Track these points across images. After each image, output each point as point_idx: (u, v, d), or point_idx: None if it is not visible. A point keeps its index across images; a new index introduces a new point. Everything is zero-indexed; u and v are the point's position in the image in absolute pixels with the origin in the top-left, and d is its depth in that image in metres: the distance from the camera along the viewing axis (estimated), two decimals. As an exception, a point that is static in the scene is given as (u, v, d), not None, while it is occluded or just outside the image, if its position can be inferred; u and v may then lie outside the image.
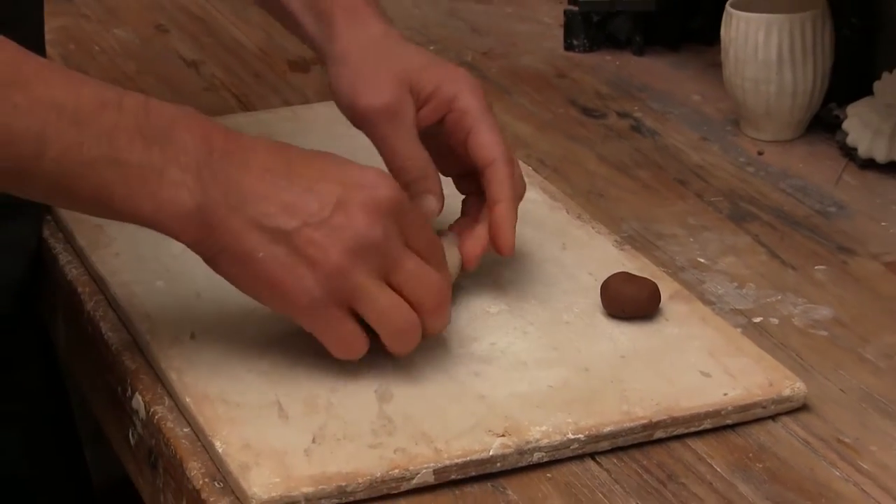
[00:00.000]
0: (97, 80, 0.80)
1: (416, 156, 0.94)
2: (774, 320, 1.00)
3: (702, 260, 1.07)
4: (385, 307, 0.83)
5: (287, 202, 0.80)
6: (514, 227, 0.93)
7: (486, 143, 0.94)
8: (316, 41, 1.01)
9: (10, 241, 1.03)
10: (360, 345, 0.85)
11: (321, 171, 0.82)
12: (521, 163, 1.16)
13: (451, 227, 0.99)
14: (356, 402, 0.87)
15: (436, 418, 0.85)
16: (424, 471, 0.82)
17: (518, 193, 0.96)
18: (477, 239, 0.95)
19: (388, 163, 0.95)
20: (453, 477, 0.82)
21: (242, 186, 0.80)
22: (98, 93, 0.78)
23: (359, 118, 0.97)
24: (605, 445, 0.85)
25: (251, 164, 0.81)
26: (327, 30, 0.99)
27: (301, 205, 0.80)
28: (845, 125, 1.22)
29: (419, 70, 0.96)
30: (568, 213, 1.08)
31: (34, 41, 1.02)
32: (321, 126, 1.20)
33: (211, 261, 0.83)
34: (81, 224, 1.05)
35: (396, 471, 0.81)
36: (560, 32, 1.45)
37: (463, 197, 1.00)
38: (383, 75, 0.95)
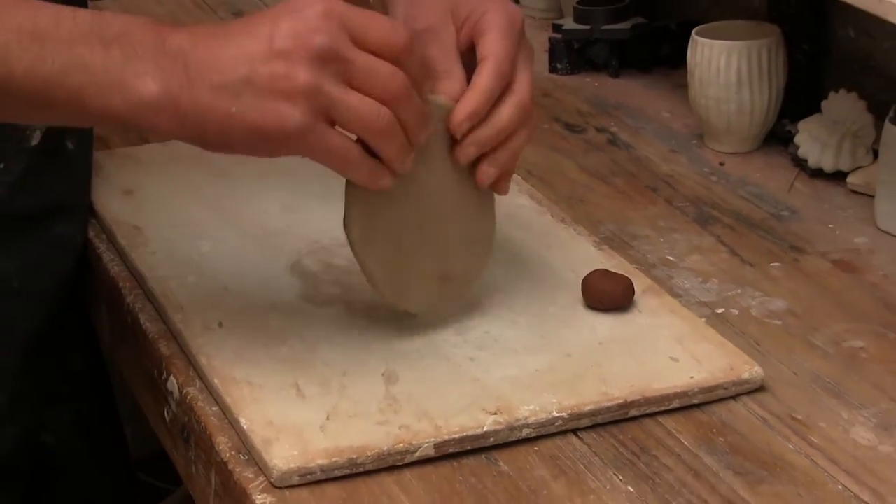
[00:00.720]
0: (54, 3, 0.78)
1: (453, 75, 0.89)
2: (735, 311, 0.99)
3: (670, 258, 1.07)
4: (357, 106, 0.78)
5: (234, 55, 0.77)
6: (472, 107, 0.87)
7: (489, 41, 0.88)
8: None
9: (59, 240, 1.03)
10: (354, 153, 0.80)
11: (252, 19, 0.79)
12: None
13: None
14: (365, 384, 0.87)
15: (436, 398, 0.85)
16: (426, 445, 0.82)
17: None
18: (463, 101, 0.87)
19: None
20: (451, 450, 0.82)
21: (195, 60, 0.77)
22: (53, 12, 0.76)
23: None
24: (585, 422, 0.85)
25: (197, 41, 0.78)
26: None
27: (246, 50, 0.77)
28: (797, 139, 1.21)
29: None
30: (552, 216, 1.08)
31: None
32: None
33: (201, 141, 0.79)
34: (122, 226, 1.05)
35: (401, 445, 0.81)
36: (545, 57, 1.45)
37: None
38: (429, 2, 0.91)
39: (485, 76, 0.86)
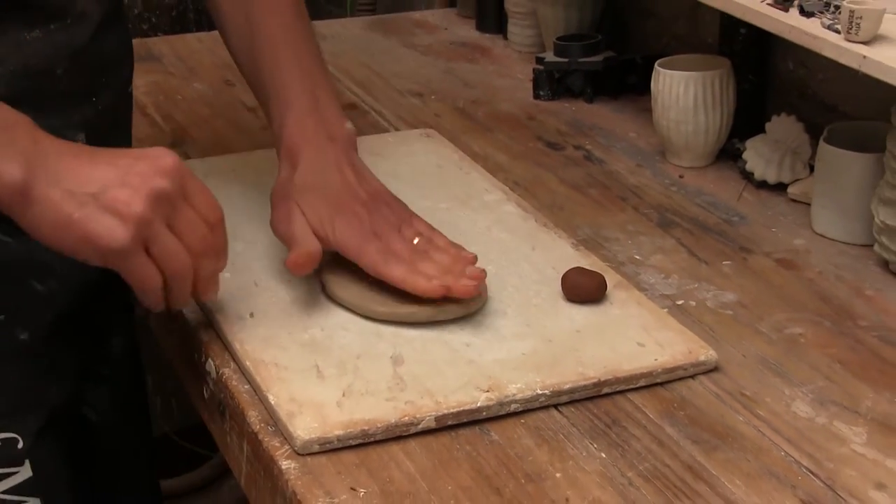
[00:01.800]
0: None
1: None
2: (692, 303, 0.99)
3: (637, 257, 1.06)
4: (170, 248, 0.80)
5: (93, 175, 0.78)
6: None
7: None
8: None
9: None
10: (157, 280, 0.81)
11: (118, 153, 0.81)
12: (499, 182, 1.15)
13: None
14: (376, 366, 0.86)
15: (437, 378, 0.84)
16: (428, 418, 0.81)
17: None
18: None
19: None
20: (450, 423, 0.82)
21: (59, 167, 0.78)
22: None
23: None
24: (565, 399, 0.84)
25: (64, 153, 0.79)
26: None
27: (104, 175, 0.78)
28: (745, 155, 1.21)
29: None
30: (536, 222, 1.07)
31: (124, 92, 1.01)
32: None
33: (38, 232, 0.79)
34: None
35: (406, 418, 0.80)
36: (530, 85, 1.44)
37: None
38: None
39: None
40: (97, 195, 0.77)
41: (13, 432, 0.90)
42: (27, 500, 0.91)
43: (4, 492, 0.91)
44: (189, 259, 0.81)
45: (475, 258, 0.93)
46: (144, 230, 0.78)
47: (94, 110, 0.92)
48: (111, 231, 0.77)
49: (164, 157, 0.80)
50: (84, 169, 0.78)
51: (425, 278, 0.90)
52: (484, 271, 0.92)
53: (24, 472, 0.91)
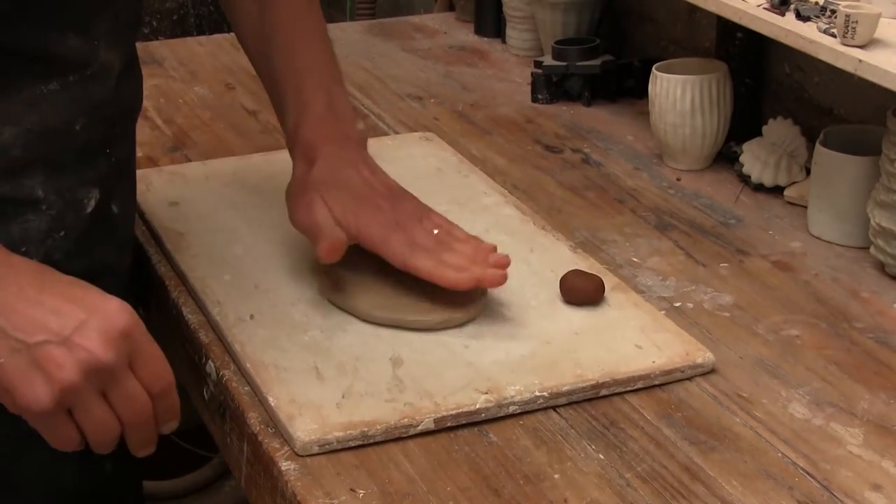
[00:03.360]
0: None
1: None
2: (690, 305, 0.99)
3: (635, 259, 1.06)
4: (98, 419, 0.73)
5: (34, 318, 0.70)
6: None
7: None
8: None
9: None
10: (76, 442, 0.74)
11: (70, 295, 0.72)
12: (498, 185, 1.15)
13: None
14: (375, 368, 0.86)
15: (435, 380, 0.84)
16: (427, 419, 0.81)
17: None
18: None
19: None
20: (449, 424, 0.81)
21: (2, 299, 0.71)
22: None
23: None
24: (563, 400, 0.84)
25: (9, 282, 0.72)
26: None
27: (46, 322, 0.70)
28: (742, 158, 1.21)
29: None
30: (534, 224, 1.07)
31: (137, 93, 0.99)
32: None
33: None
34: (167, 232, 1.04)
35: (406, 420, 0.80)
36: (528, 89, 1.44)
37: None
38: None
39: None
40: (31, 347, 0.70)
41: None
42: None
43: None
44: (117, 430, 0.74)
45: (495, 247, 0.92)
46: (71, 398, 0.71)
47: (108, 163, 0.88)
48: (34, 391, 0.70)
49: (118, 318, 0.72)
50: (27, 308, 0.70)
51: (454, 270, 0.89)
52: (508, 257, 0.91)
53: None
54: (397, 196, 0.94)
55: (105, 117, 0.86)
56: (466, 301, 0.92)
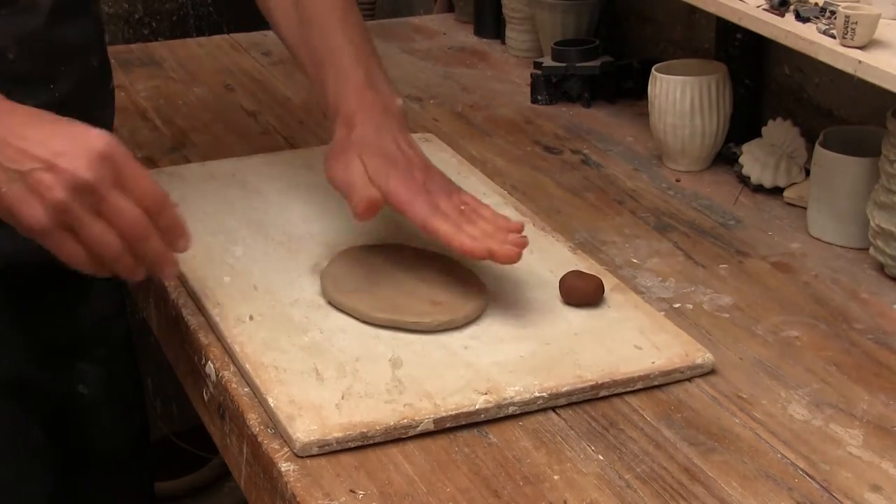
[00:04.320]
0: None
1: None
2: (689, 306, 0.99)
3: (634, 260, 1.06)
4: (95, 235, 0.80)
5: (25, 149, 0.79)
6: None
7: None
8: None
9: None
10: (82, 259, 0.81)
11: (55, 129, 0.81)
12: (497, 186, 1.15)
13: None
14: (375, 369, 0.86)
15: (435, 380, 0.84)
16: (426, 421, 0.81)
17: None
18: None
19: None
20: (448, 425, 0.81)
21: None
22: None
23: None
24: (562, 401, 0.84)
25: (3, 122, 0.80)
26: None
27: (35, 152, 0.79)
28: (741, 159, 1.21)
29: None
30: (534, 225, 1.07)
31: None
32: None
33: None
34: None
35: (405, 420, 0.80)
36: (527, 90, 1.44)
37: None
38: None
39: None
40: (24, 174, 0.78)
41: None
42: None
43: None
44: (118, 243, 0.80)
45: (522, 226, 0.94)
46: (63, 216, 0.78)
47: (51, 97, 0.92)
48: (31, 210, 0.78)
49: (98, 142, 0.80)
50: (18, 142, 0.79)
51: (470, 238, 0.91)
52: (526, 238, 0.92)
53: None
54: (431, 169, 0.97)
55: (40, 51, 0.91)
56: (466, 303, 0.92)
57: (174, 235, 0.84)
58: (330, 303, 0.93)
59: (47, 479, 1.00)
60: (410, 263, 0.96)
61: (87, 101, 0.98)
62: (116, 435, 1.10)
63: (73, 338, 1.04)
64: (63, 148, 0.79)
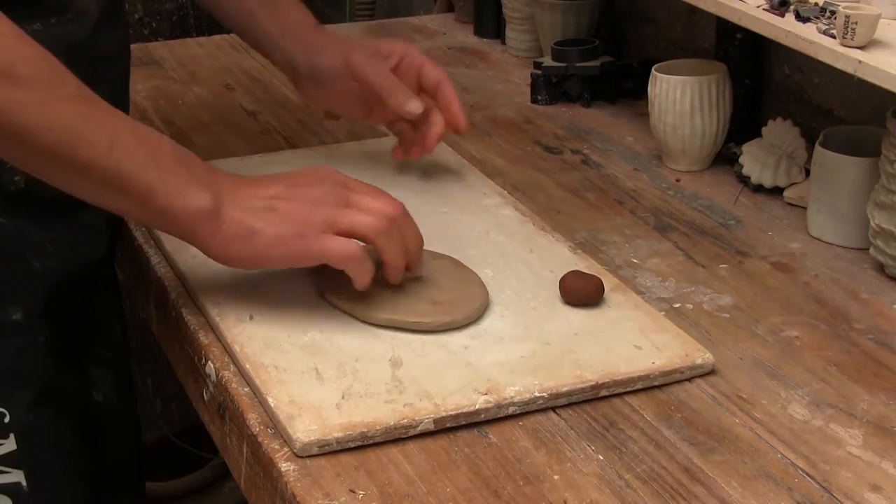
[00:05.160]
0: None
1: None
2: (689, 306, 0.99)
3: (634, 260, 1.06)
4: (356, 219, 0.86)
5: (263, 193, 0.87)
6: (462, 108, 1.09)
7: (430, 68, 1.08)
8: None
9: (86, 225, 1.03)
10: (353, 249, 0.86)
11: (277, 175, 0.90)
12: (497, 186, 1.15)
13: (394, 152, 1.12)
14: (375, 368, 0.86)
15: (435, 380, 0.84)
16: (426, 420, 0.81)
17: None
18: (435, 124, 1.09)
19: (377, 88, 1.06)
20: (448, 425, 0.81)
21: (237, 191, 0.86)
22: (147, 129, 0.86)
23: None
24: (562, 401, 0.84)
25: (238, 181, 0.88)
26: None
27: (272, 191, 0.87)
28: (741, 159, 1.21)
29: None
30: (534, 225, 1.07)
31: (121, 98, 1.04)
32: (350, 160, 1.18)
33: (228, 251, 0.86)
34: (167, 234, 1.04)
35: (405, 420, 0.80)
36: (528, 90, 1.44)
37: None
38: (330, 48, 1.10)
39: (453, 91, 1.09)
40: (271, 205, 0.86)
41: (0, 407, 0.94)
42: (10, 471, 0.94)
43: None
44: (377, 221, 0.87)
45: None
46: (318, 214, 0.85)
47: None
48: (292, 228, 0.85)
49: (320, 170, 0.89)
50: (257, 190, 0.87)
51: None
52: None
53: (9, 445, 0.95)
54: None
55: (84, 60, 0.93)
56: (467, 304, 0.92)
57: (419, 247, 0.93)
58: (330, 303, 0.93)
59: (82, 486, 1.01)
60: None
61: (119, 107, 1.01)
62: (121, 438, 1.11)
63: (84, 341, 1.05)
64: (291, 179, 0.88)
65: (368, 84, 1.06)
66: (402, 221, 0.89)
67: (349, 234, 0.86)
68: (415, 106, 1.05)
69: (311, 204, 0.86)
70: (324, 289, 0.94)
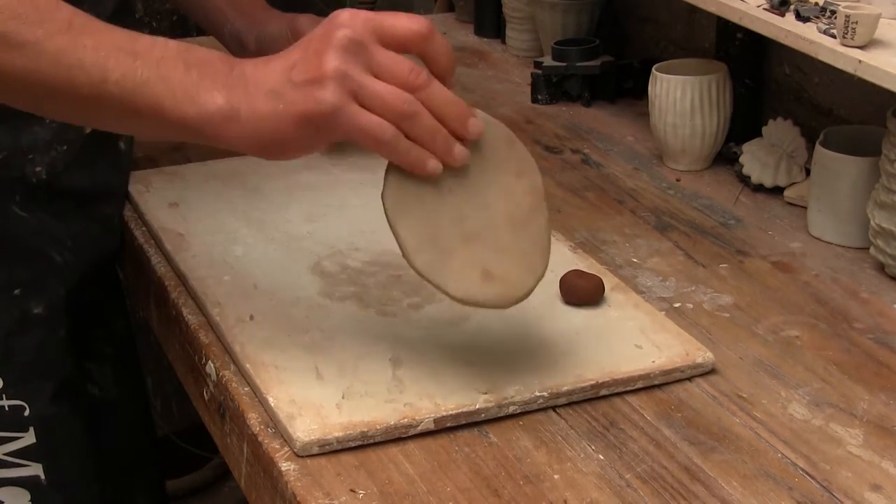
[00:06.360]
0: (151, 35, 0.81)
1: None
2: (689, 305, 0.99)
3: (635, 260, 1.06)
4: (382, 91, 0.76)
5: (280, 66, 0.78)
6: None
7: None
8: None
9: (103, 217, 1.04)
10: (388, 131, 0.76)
11: (295, 45, 0.80)
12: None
13: None
14: (375, 368, 0.86)
15: (436, 380, 0.84)
16: (427, 420, 0.81)
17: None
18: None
19: None
20: (449, 424, 0.81)
21: (252, 79, 0.78)
22: (150, 38, 0.79)
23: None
24: (563, 400, 0.84)
25: (256, 65, 0.79)
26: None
27: (289, 59, 0.78)
28: (742, 159, 1.21)
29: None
30: (534, 225, 1.07)
31: None
32: (350, 158, 1.19)
33: (259, 145, 0.78)
34: (167, 233, 1.04)
35: (406, 420, 0.80)
36: (528, 90, 1.44)
37: None
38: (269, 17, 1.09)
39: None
40: (289, 79, 0.77)
41: (21, 400, 0.95)
42: (29, 464, 0.95)
43: (7, 454, 0.95)
44: (406, 95, 0.76)
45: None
46: (345, 83, 0.76)
47: None
48: (314, 99, 0.76)
49: (341, 13, 0.78)
50: (273, 66, 0.78)
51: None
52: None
53: (28, 438, 0.95)
54: None
55: None
56: (517, 284, 0.81)
57: (452, 65, 0.80)
58: (387, 217, 0.81)
59: (98, 481, 1.02)
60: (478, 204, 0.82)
61: None
62: (130, 436, 1.11)
63: (89, 336, 1.06)
64: (310, 37, 0.78)
65: None
66: (428, 86, 0.77)
67: (371, 110, 0.77)
68: None
69: (332, 66, 0.76)
70: (386, 196, 0.81)
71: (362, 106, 0.76)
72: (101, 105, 0.77)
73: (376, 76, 0.76)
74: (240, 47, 1.11)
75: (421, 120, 0.77)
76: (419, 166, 0.78)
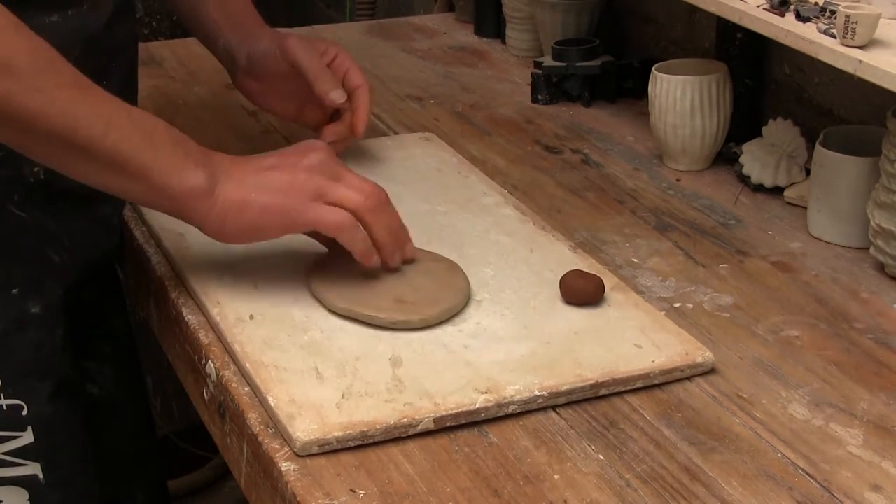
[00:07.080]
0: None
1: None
2: (689, 305, 0.99)
3: (635, 260, 1.06)
4: (345, 192, 0.89)
5: (256, 166, 0.90)
6: (368, 118, 1.12)
7: (354, 73, 1.12)
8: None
9: (101, 218, 1.04)
10: (345, 216, 0.89)
11: (272, 152, 0.93)
12: (498, 185, 1.15)
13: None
14: (375, 368, 0.86)
15: (435, 380, 0.84)
16: (427, 420, 0.81)
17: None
18: (342, 123, 1.13)
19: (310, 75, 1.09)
20: (448, 424, 0.81)
21: (231, 168, 0.89)
22: (140, 112, 0.88)
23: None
24: (563, 400, 0.84)
25: (232, 161, 0.90)
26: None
27: (265, 163, 0.90)
28: (742, 159, 1.21)
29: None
30: (534, 224, 1.07)
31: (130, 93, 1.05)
32: (349, 159, 1.18)
33: (222, 227, 0.88)
34: (168, 233, 1.04)
35: (405, 420, 0.80)
36: (528, 90, 1.44)
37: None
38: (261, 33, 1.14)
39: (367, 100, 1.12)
40: (264, 178, 0.89)
41: (19, 399, 0.95)
42: (27, 463, 0.95)
43: (5, 454, 0.96)
44: (365, 199, 0.89)
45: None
46: (310, 184, 0.88)
47: None
48: (285, 197, 0.88)
49: (312, 143, 0.94)
50: (247, 165, 0.90)
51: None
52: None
53: (26, 438, 0.96)
54: None
55: (99, 50, 0.96)
56: (429, 307, 0.91)
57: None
58: (308, 289, 0.93)
59: (97, 480, 1.02)
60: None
61: (129, 96, 1.03)
62: (129, 435, 1.11)
63: (87, 335, 1.06)
64: (282, 153, 0.92)
65: (299, 66, 1.09)
66: (386, 206, 0.92)
67: (338, 206, 0.89)
68: (338, 95, 1.08)
69: (304, 172, 0.89)
70: (308, 273, 0.94)
71: (325, 200, 0.89)
72: (91, 157, 0.83)
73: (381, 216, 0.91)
74: (230, 61, 1.13)
75: (378, 214, 0.91)
76: (366, 257, 0.91)
